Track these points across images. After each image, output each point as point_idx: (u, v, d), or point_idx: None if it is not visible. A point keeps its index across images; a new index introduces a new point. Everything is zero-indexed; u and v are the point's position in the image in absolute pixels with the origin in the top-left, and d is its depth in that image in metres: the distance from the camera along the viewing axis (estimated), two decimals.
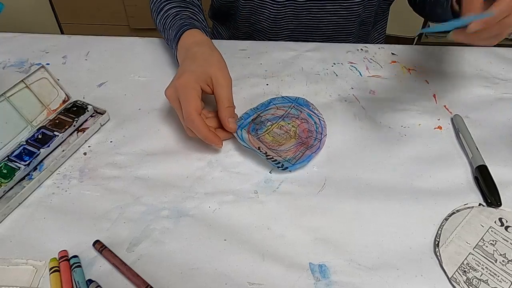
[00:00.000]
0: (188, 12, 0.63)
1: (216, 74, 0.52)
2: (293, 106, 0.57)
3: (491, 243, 0.44)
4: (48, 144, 0.51)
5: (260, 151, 0.51)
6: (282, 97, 0.59)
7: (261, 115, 0.56)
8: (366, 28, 0.79)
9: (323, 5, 0.71)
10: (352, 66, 0.67)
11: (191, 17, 0.62)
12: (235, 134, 0.52)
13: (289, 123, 0.55)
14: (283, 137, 0.54)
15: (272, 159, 0.50)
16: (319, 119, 0.55)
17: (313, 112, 0.56)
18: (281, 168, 0.49)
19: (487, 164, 0.50)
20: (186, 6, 0.64)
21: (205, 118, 0.52)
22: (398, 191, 0.49)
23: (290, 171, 0.50)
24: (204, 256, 0.43)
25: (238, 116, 0.56)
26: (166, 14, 0.63)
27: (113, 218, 0.46)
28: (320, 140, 0.53)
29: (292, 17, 0.73)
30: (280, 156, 0.51)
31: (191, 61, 0.54)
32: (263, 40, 0.78)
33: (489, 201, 0.47)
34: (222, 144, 0.51)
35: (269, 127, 0.55)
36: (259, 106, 0.58)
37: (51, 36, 0.72)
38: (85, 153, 0.53)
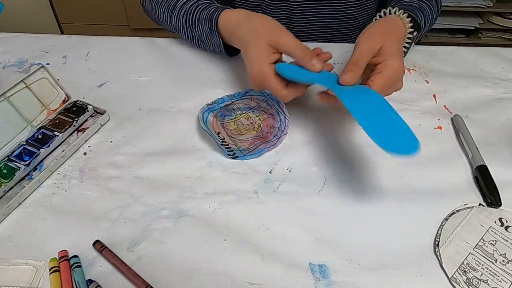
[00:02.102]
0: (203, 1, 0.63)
1: (280, 38, 0.52)
2: (266, 100, 0.58)
3: (491, 243, 0.44)
4: (48, 144, 0.51)
5: (218, 137, 0.53)
6: None
7: (235, 102, 0.58)
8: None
9: (317, 8, 0.71)
10: None
11: (210, 3, 0.62)
12: (199, 116, 0.54)
13: (256, 116, 0.57)
14: (246, 128, 0.55)
15: (227, 146, 0.52)
16: (285, 117, 0.56)
17: (281, 109, 0.57)
18: (231, 157, 0.52)
19: (487, 164, 0.50)
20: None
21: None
22: (398, 191, 0.49)
23: (239, 160, 0.52)
24: (204, 256, 0.43)
25: (213, 100, 0.58)
26: (183, 11, 0.63)
27: (113, 218, 0.46)
28: (279, 138, 0.54)
29: (286, 20, 0.73)
30: (235, 145, 0.53)
31: (246, 46, 0.54)
32: None
33: (489, 201, 0.47)
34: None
35: (238, 115, 0.57)
36: (236, 94, 0.59)
37: (51, 36, 0.72)
38: (85, 153, 0.53)
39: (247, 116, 0.57)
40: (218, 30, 0.59)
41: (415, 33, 0.57)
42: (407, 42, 0.57)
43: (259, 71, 0.52)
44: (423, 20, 0.61)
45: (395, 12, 0.57)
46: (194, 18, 0.62)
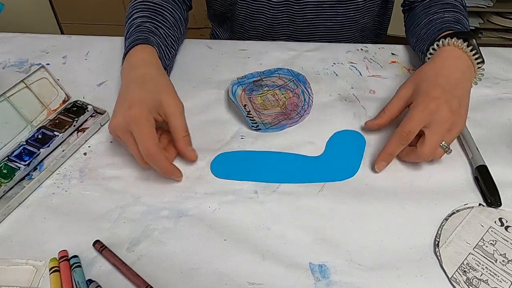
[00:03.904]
0: (151, 25, 0.58)
1: (168, 101, 0.48)
2: (293, 80, 0.62)
3: (491, 243, 0.44)
4: (48, 144, 0.51)
5: (245, 109, 0.56)
6: (288, 69, 0.64)
7: (263, 79, 0.61)
8: (366, 33, 0.79)
9: (319, 11, 0.71)
10: (352, 66, 0.67)
11: (151, 31, 0.57)
12: (229, 88, 0.58)
13: (282, 94, 0.60)
14: (271, 104, 0.59)
15: (251, 118, 0.55)
16: (309, 97, 0.59)
17: (307, 90, 0.60)
18: (254, 128, 0.55)
19: (487, 164, 0.50)
20: (153, 17, 0.60)
21: (163, 147, 0.50)
22: (398, 191, 0.49)
23: (261, 132, 0.55)
24: (204, 256, 0.43)
25: (243, 75, 0.62)
26: (131, 23, 0.59)
27: (113, 218, 0.46)
28: (301, 116, 0.57)
29: (288, 23, 0.73)
30: (259, 118, 0.56)
31: (139, 86, 0.49)
32: None
33: (489, 201, 0.47)
34: (182, 177, 0.49)
35: (265, 91, 0.60)
36: (265, 71, 0.63)
37: (51, 36, 0.72)
38: (85, 153, 0.53)
39: (274, 93, 0.60)
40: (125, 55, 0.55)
41: (469, 48, 0.52)
42: (478, 63, 0.52)
43: (141, 113, 0.46)
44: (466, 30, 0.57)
45: (443, 45, 0.53)
46: (128, 32, 0.58)
